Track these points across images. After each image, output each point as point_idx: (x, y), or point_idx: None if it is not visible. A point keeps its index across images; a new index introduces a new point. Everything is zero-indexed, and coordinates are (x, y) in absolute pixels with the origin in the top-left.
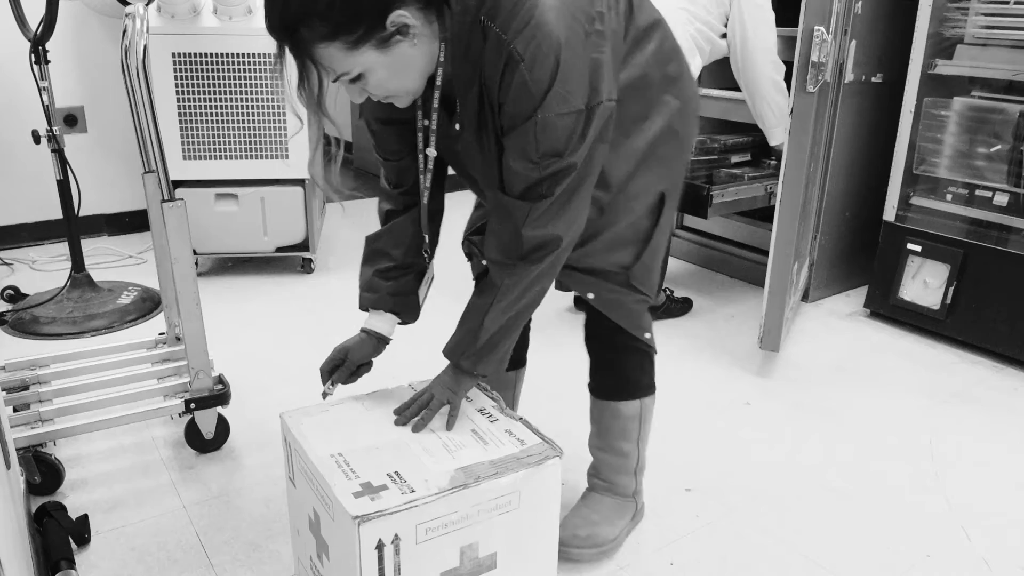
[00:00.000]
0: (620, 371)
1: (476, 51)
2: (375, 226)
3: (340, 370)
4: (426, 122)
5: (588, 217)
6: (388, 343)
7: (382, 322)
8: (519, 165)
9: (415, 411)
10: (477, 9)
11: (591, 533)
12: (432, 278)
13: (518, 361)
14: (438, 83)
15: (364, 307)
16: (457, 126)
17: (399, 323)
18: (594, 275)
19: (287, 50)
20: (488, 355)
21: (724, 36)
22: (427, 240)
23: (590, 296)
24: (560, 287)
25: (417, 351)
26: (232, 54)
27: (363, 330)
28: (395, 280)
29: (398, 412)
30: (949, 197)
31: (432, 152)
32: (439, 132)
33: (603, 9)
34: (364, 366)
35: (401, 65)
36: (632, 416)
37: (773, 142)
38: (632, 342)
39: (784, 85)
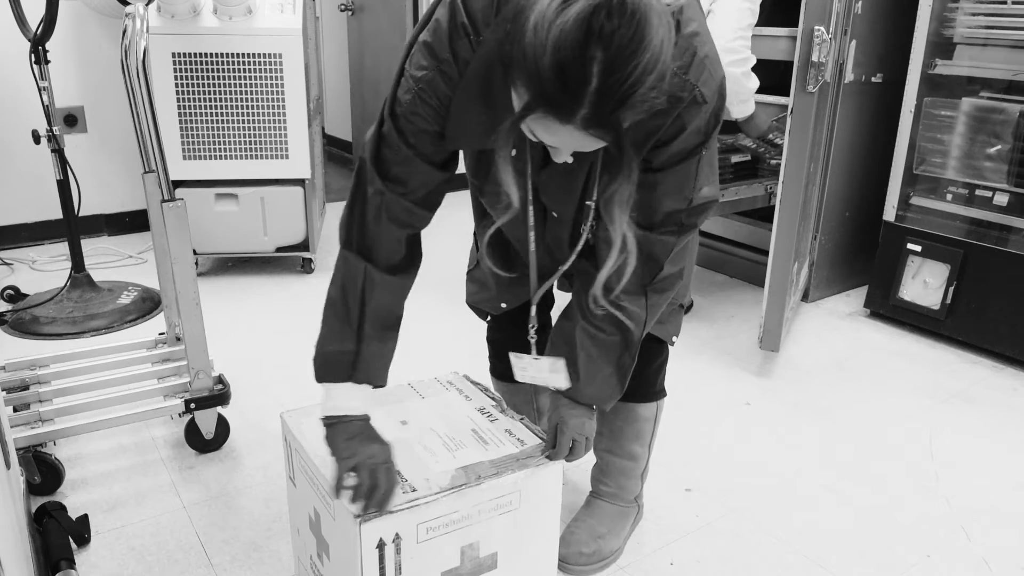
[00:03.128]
0: (643, 372)
1: None
2: None
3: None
4: (514, 151)
5: None
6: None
7: (361, 398)
8: (672, 201)
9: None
10: None
11: (597, 549)
12: None
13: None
14: None
15: (359, 379)
16: (570, 158)
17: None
18: (669, 315)
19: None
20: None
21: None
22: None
23: (674, 340)
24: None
25: (416, 351)
26: (232, 54)
27: (340, 418)
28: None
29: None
30: (949, 197)
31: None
32: (526, 160)
33: None
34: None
35: None
36: (648, 419)
37: (731, 116)
38: (656, 344)
39: (747, 58)
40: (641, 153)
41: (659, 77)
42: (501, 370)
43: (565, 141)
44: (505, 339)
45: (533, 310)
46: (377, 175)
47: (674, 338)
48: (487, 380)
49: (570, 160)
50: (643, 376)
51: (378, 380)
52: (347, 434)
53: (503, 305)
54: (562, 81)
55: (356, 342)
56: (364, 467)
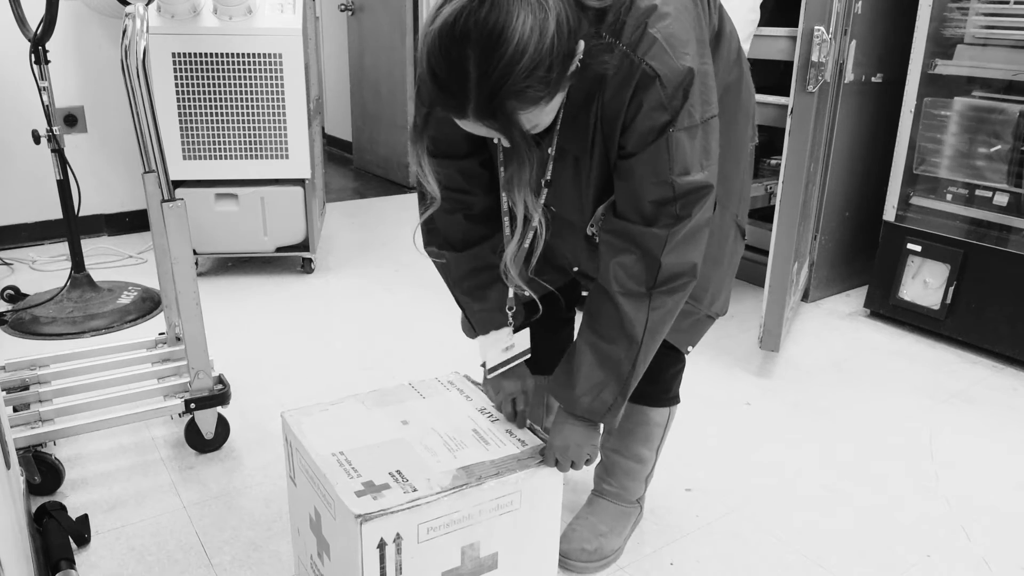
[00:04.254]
0: (659, 378)
1: (595, 71)
2: (375, 225)
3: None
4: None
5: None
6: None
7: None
8: (653, 187)
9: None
10: (593, 25)
11: (598, 547)
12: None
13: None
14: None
15: (485, 330)
16: (550, 150)
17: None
18: (693, 324)
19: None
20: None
21: None
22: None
23: (689, 349)
24: None
25: (417, 350)
26: (232, 54)
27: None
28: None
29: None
30: (949, 197)
31: (548, 181)
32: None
33: (701, 12)
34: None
35: (559, 100)
36: (659, 424)
37: None
38: (673, 351)
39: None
40: (613, 138)
41: (532, 64)
42: None
43: (480, 131)
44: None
45: (511, 290)
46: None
47: (689, 347)
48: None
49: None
50: (659, 382)
51: (492, 326)
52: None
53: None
54: (443, 82)
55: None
56: (505, 400)
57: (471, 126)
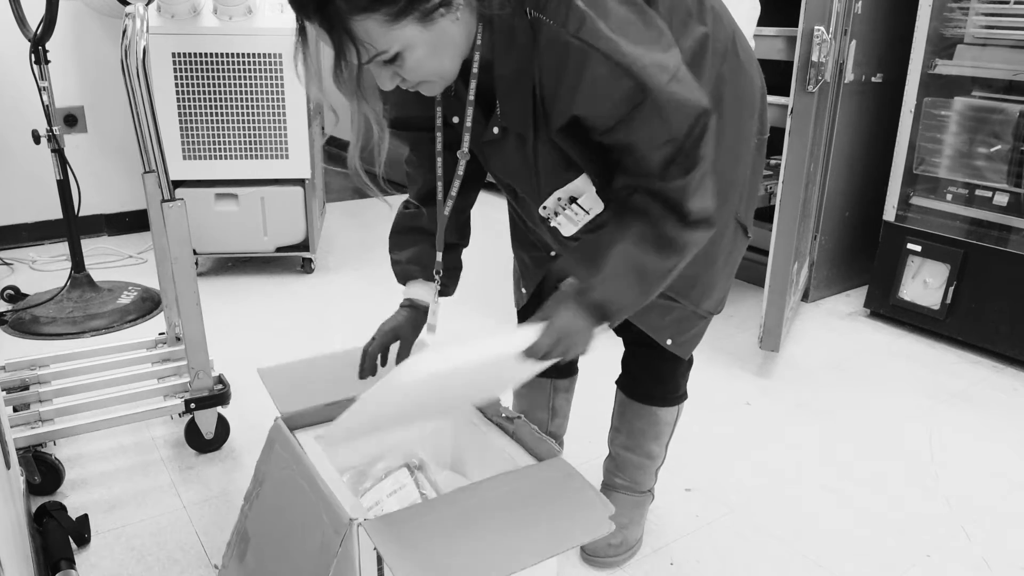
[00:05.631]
0: (667, 379)
1: (523, 46)
2: (375, 225)
3: (399, 350)
4: (455, 119)
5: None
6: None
7: (425, 291)
8: (655, 149)
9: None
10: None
11: (623, 539)
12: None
13: (570, 368)
14: (475, 70)
15: (410, 277)
16: (495, 129)
17: (440, 294)
18: (678, 320)
19: (311, 28)
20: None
21: None
22: (442, 254)
23: (668, 342)
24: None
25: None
26: (232, 54)
27: (407, 303)
28: (429, 251)
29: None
30: (949, 197)
31: (465, 154)
32: (472, 131)
33: None
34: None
35: (441, 43)
36: (669, 422)
37: None
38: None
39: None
40: (558, 119)
41: None
42: None
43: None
44: None
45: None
46: None
47: (669, 341)
48: None
49: (389, 87)
50: (667, 382)
51: (405, 277)
52: (403, 315)
53: (523, 291)
54: None
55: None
56: (388, 331)
57: (319, 32)
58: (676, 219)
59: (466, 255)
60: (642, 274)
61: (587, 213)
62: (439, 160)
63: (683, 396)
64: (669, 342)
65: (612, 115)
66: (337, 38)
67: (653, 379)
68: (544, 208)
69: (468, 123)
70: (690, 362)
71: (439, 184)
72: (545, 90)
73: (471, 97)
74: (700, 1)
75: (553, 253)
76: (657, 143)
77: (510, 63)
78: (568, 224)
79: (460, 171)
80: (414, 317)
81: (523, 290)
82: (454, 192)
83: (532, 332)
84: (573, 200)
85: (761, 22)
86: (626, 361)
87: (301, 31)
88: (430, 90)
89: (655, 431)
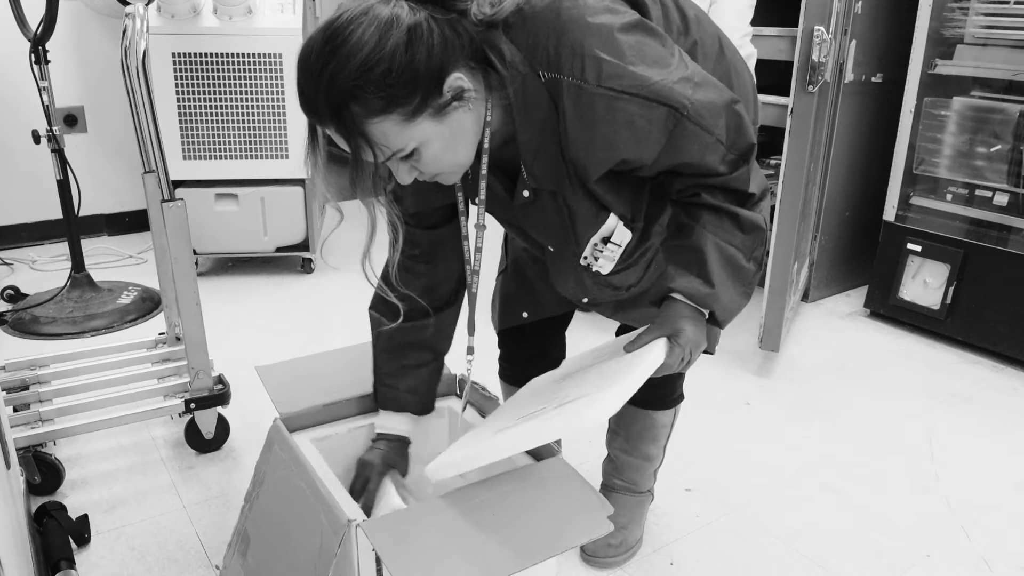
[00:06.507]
0: (663, 383)
1: (543, 107)
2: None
3: (372, 480)
4: (479, 199)
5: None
6: (409, 445)
7: (401, 422)
8: (706, 158)
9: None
10: (528, 64)
11: (623, 539)
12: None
13: (556, 363)
14: (486, 145)
15: (402, 408)
16: (525, 193)
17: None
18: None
19: (323, 132)
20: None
21: None
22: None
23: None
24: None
25: None
26: (232, 54)
27: (390, 437)
28: (427, 377)
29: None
30: (949, 197)
31: (483, 227)
32: (493, 201)
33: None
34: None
35: (457, 134)
36: (666, 424)
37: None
38: None
39: (750, 54)
40: (592, 172)
41: (365, 63)
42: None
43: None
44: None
45: (469, 340)
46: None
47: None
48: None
49: (407, 181)
50: (663, 386)
51: (398, 407)
52: (379, 450)
53: (524, 315)
54: (300, 84)
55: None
56: (361, 463)
57: (335, 136)
58: (746, 201)
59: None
60: (737, 271)
61: (619, 247)
62: (472, 236)
63: (680, 398)
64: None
65: (656, 144)
66: (354, 143)
67: (649, 384)
68: (585, 258)
69: (482, 195)
70: None
71: (470, 260)
72: (578, 145)
73: (484, 171)
74: (683, 14)
75: (586, 300)
76: (707, 150)
77: (533, 128)
78: (606, 263)
79: (481, 244)
80: (392, 454)
81: (524, 315)
82: (478, 266)
83: (659, 350)
84: (606, 240)
85: (761, 22)
86: None
87: (312, 132)
88: (448, 180)
89: (652, 434)
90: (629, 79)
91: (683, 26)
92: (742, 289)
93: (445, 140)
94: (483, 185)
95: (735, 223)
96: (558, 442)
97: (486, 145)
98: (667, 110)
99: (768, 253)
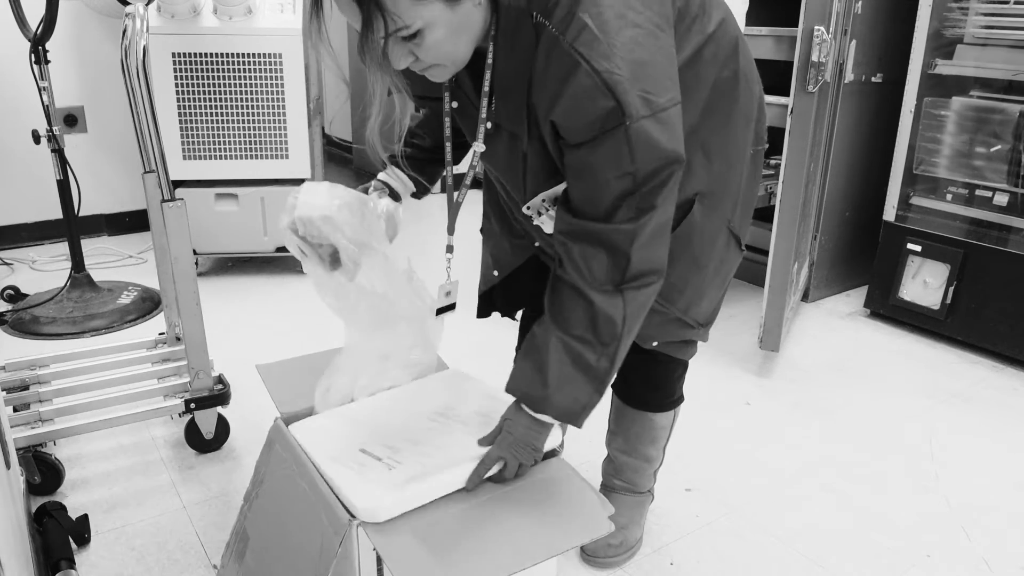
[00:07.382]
0: (662, 384)
1: (525, 48)
2: None
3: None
4: (455, 104)
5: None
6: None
7: (404, 187)
8: (612, 179)
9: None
10: (528, 1)
11: (623, 539)
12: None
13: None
14: (489, 60)
15: (389, 161)
16: (488, 124)
17: (412, 194)
18: (662, 324)
19: (328, 2)
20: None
21: None
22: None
23: (653, 344)
24: None
25: None
26: (232, 54)
27: (384, 183)
28: (431, 170)
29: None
30: (949, 197)
31: (480, 147)
32: (465, 115)
33: None
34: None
35: (463, 25)
36: (666, 426)
37: None
38: (673, 361)
39: None
40: (546, 123)
41: None
42: None
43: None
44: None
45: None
46: None
47: (655, 343)
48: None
49: (401, 66)
50: (662, 388)
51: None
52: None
53: (495, 273)
54: None
55: None
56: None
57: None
58: (624, 272)
59: (463, 256)
60: (586, 370)
61: None
62: (447, 146)
63: (679, 400)
64: (655, 344)
65: (584, 132)
66: (366, 9)
67: (648, 385)
68: (528, 208)
69: (483, 114)
70: (685, 367)
71: (447, 169)
72: (534, 92)
73: (486, 88)
74: (705, 7)
75: (537, 244)
76: (616, 172)
77: (511, 62)
78: (550, 224)
79: (475, 162)
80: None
81: (495, 272)
82: (468, 182)
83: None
84: (556, 203)
85: (761, 22)
86: (621, 367)
87: (315, 4)
88: (439, 75)
89: (651, 435)
90: (598, 57)
91: (702, 16)
92: (591, 387)
93: (450, 28)
94: (484, 103)
95: (588, 316)
96: (560, 442)
97: (489, 59)
98: (615, 107)
99: (768, 253)
